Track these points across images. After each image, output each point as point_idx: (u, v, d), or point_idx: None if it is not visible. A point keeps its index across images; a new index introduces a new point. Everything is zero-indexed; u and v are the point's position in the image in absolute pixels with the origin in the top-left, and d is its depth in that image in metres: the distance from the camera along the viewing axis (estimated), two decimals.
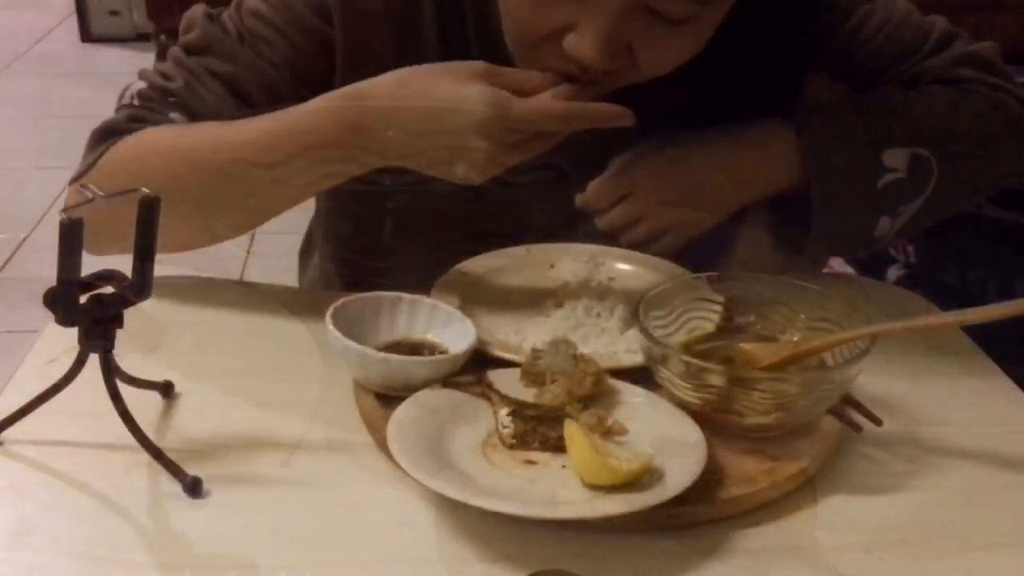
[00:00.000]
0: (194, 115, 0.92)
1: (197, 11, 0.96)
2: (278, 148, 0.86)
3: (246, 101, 0.93)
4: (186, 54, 0.95)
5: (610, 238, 0.99)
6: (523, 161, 0.85)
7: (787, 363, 0.79)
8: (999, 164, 1.04)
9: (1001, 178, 1.07)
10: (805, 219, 0.98)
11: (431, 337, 0.85)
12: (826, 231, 0.98)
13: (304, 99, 0.88)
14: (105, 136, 0.93)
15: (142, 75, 0.97)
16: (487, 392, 0.78)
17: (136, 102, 0.94)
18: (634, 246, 0.99)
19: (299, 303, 0.97)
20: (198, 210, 0.90)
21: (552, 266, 0.98)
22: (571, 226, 1.02)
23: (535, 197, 1.01)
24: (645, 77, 0.86)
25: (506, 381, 0.80)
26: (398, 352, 0.81)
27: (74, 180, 0.94)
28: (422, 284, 0.91)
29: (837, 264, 2.23)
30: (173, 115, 0.93)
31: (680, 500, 0.68)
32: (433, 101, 0.81)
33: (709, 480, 0.71)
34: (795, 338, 0.82)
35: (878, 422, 0.79)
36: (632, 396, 0.79)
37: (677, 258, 0.99)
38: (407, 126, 0.82)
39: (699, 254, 1.00)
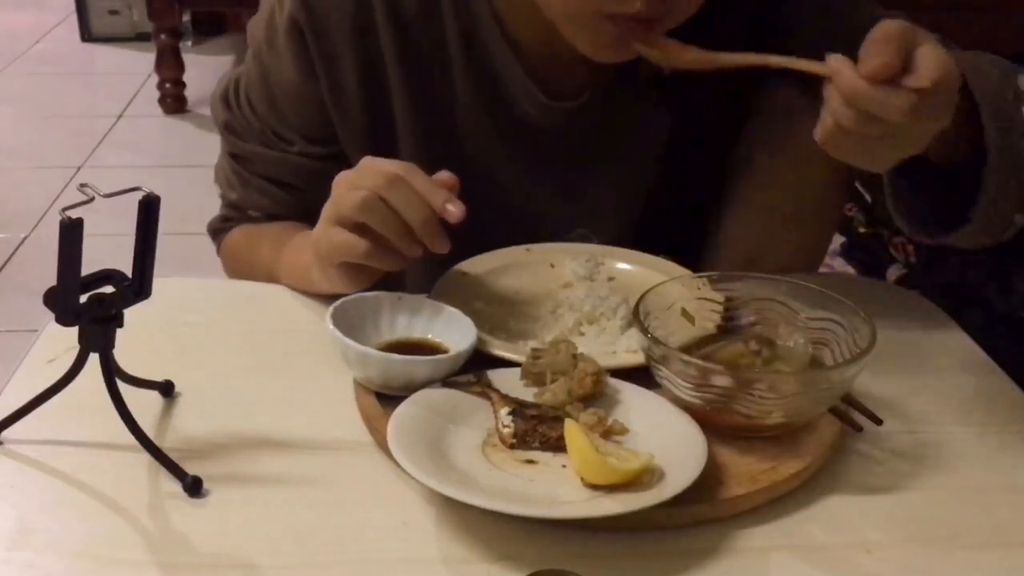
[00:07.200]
0: (263, 211, 1.10)
1: (216, 103, 1.10)
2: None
3: (291, 187, 1.07)
4: (235, 162, 1.10)
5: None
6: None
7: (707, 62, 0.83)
8: None
9: None
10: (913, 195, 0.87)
11: (431, 337, 0.85)
12: (987, 215, 0.85)
13: (320, 161, 1.04)
14: (214, 230, 1.16)
15: (216, 172, 1.15)
16: (487, 392, 0.78)
17: (222, 210, 1.15)
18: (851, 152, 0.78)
19: (299, 303, 0.97)
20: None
21: (552, 266, 0.98)
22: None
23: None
24: (678, 21, 0.88)
25: (506, 381, 0.80)
26: (398, 352, 0.81)
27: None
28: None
29: (837, 264, 2.23)
30: (252, 213, 1.11)
31: (680, 500, 0.68)
32: None
33: (709, 480, 0.71)
34: (795, 337, 0.83)
35: (878, 422, 0.79)
36: (632, 396, 0.79)
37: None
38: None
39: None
